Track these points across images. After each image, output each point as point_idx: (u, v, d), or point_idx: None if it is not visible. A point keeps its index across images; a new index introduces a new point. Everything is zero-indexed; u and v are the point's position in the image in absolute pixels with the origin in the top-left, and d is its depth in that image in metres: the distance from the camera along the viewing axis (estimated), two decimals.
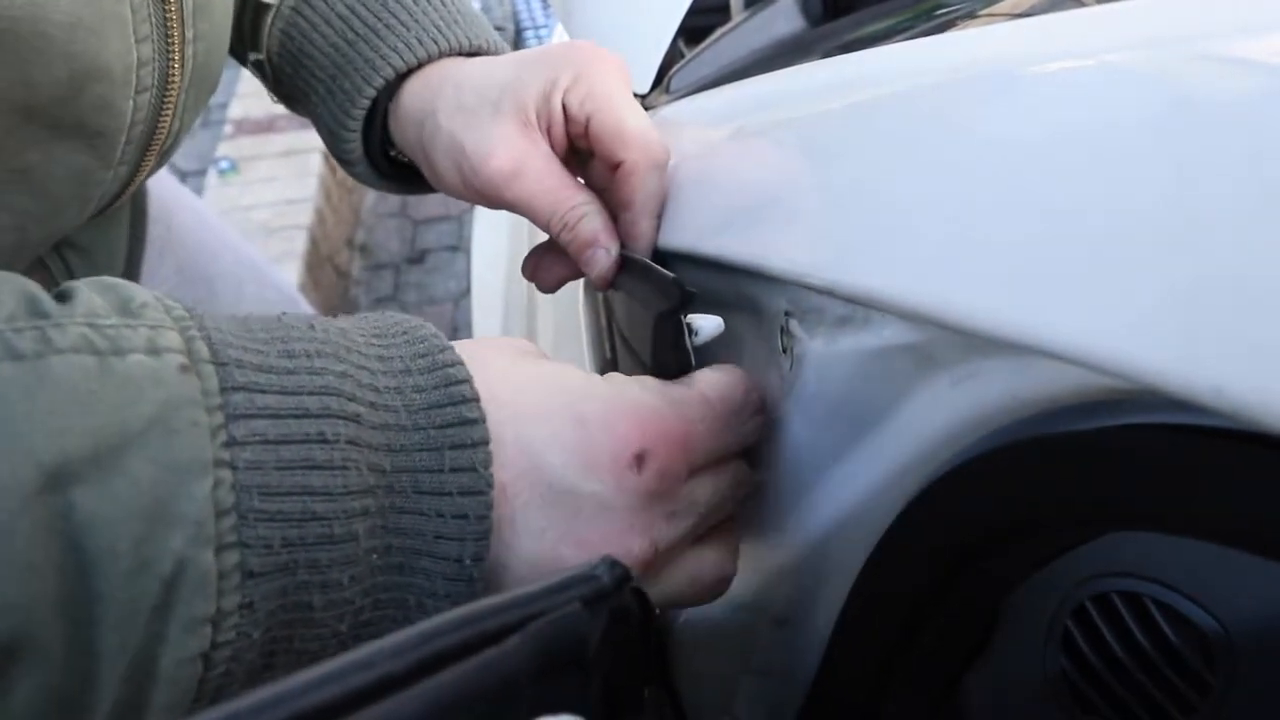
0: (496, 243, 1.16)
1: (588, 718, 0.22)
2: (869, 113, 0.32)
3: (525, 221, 1.00)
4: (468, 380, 0.29)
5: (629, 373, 0.36)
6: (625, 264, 0.42)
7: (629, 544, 0.31)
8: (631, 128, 0.42)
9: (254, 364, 0.25)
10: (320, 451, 0.25)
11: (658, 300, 0.36)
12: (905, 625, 0.34)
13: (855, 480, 0.33)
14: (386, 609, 0.27)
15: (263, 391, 0.25)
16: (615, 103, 0.42)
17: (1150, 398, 0.23)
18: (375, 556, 0.26)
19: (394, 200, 2.43)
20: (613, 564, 0.23)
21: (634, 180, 0.42)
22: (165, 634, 0.22)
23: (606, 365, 0.54)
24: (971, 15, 0.45)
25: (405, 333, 0.30)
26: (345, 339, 0.28)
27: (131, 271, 0.57)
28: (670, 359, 0.36)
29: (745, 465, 0.36)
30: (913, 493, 0.31)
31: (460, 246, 2.32)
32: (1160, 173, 0.21)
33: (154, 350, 0.23)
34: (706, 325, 0.35)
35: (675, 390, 0.34)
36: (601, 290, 0.45)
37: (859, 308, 0.31)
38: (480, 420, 0.28)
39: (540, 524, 0.30)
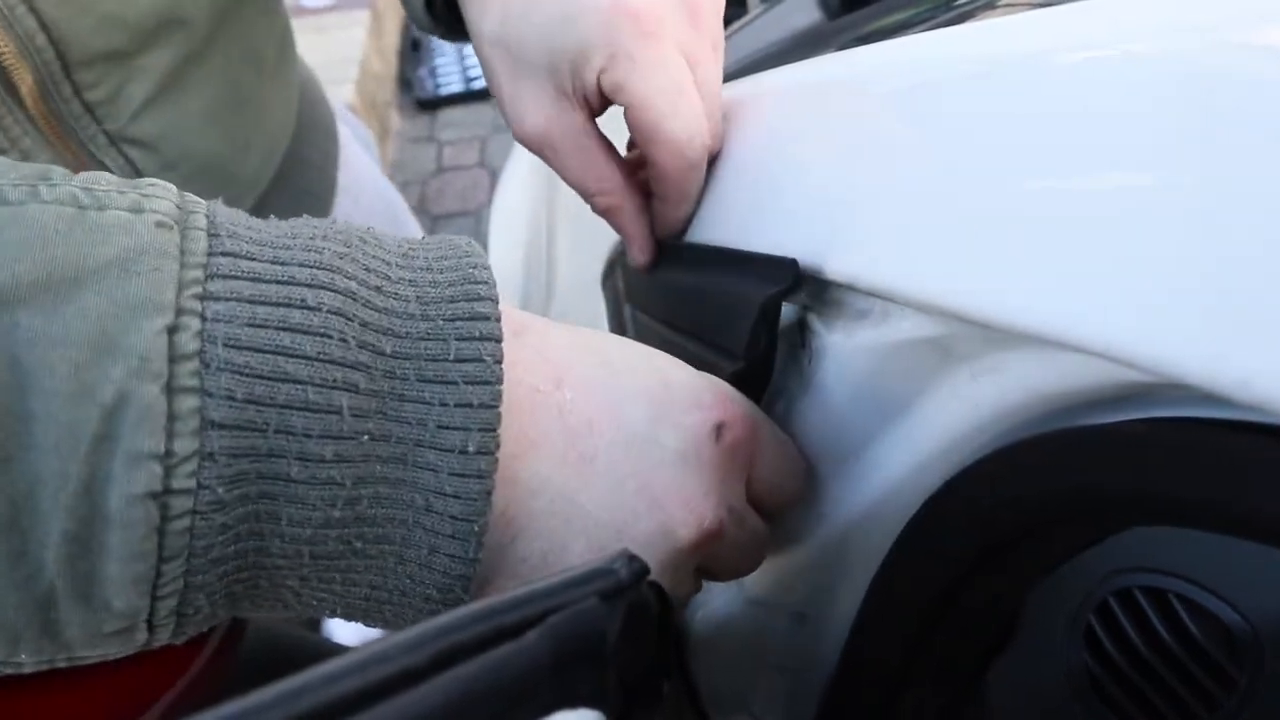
0: (514, 238, 1.16)
1: (606, 712, 0.22)
2: (887, 105, 0.32)
3: (543, 218, 1.00)
4: (486, 282, 0.28)
5: None
6: (704, 255, 0.40)
7: (704, 509, 0.30)
8: (665, 131, 0.38)
9: (250, 237, 0.25)
10: (299, 315, 0.24)
11: (760, 285, 0.34)
12: (925, 621, 0.33)
13: (875, 475, 0.33)
14: (392, 507, 0.27)
15: (251, 259, 0.25)
16: (650, 99, 0.37)
17: (1175, 391, 0.23)
18: (368, 439, 0.25)
19: (412, 196, 2.44)
20: (630, 558, 0.23)
21: (665, 183, 0.40)
22: (109, 468, 0.22)
23: None
24: (991, 6, 0.45)
25: (442, 241, 0.30)
26: (370, 235, 0.28)
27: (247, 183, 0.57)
28: (764, 343, 0.34)
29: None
30: (933, 487, 0.31)
31: (478, 241, 2.32)
32: (1185, 162, 0.20)
33: (136, 209, 0.24)
34: (785, 312, 0.35)
35: (750, 402, 0.34)
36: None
37: (878, 301, 0.31)
38: (493, 318, 0.27)
39: (623, 470, 0.29)
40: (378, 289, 0.27)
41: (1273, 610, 0.31)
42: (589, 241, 0.67)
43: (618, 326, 0.54)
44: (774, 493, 0.34)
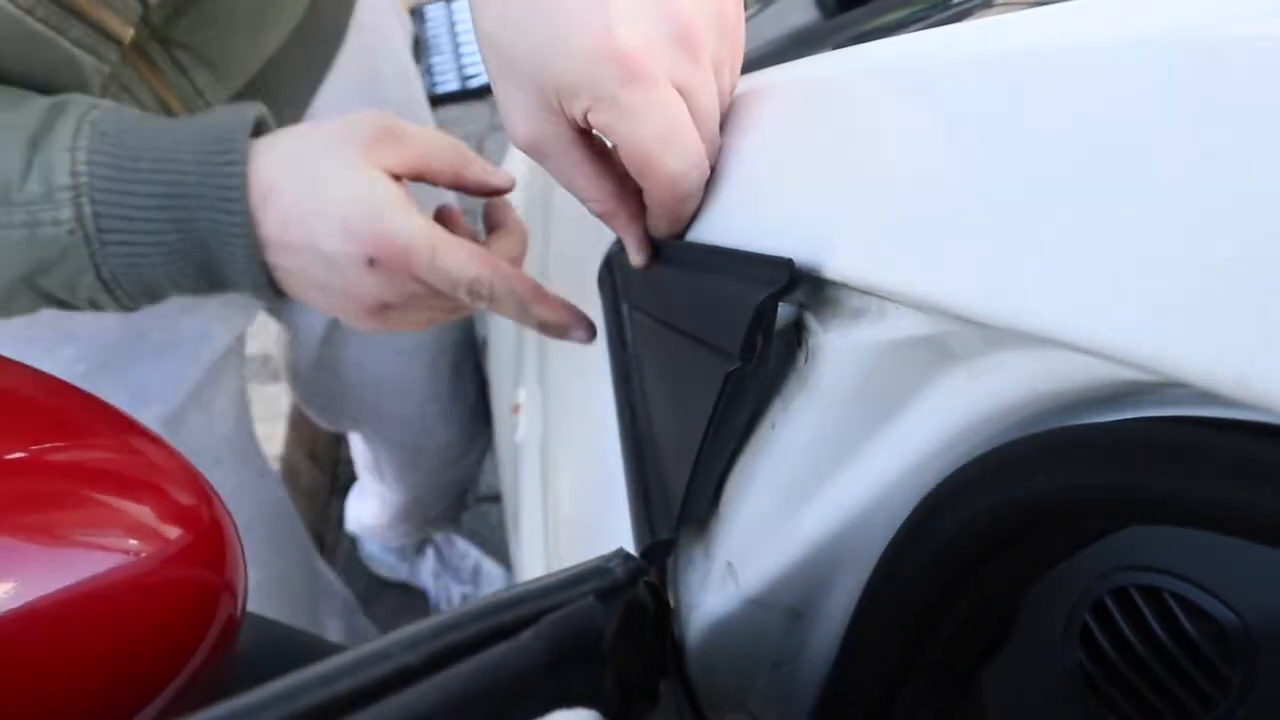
0: None
1: (602, 711, 0.22)
2: (883, 103, 0.31)
3: (539, 216, 0.99)
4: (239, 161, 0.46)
5: (657, 359, 0.40)
6: (701, 255, 0.40)
7: (364, 297, 0.48)
8: (656, 170, 0.37)
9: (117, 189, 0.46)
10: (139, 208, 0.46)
11: (755, 286, 0.33)
12: (922, 620, 0.33)
13: (872, 473, 0.33)
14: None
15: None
16: (639, 143, 0.36)
17: (1172, 389, 0.23)
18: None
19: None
20: (626, 557, 0.23)
21: (660, 209, 0.40)
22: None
23: (620, 352, 0.54)
24: (988, 4, 0.45)
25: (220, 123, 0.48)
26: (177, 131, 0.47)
27: (310, 70, 0.75)
28: (760, 345, 0.34)
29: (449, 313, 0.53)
30: (930, 486, 0.31)
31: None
32: (1181, 158, 0.20)
33: (57, 222, 0.45)
34: (781, 311, 0.34)
35: (427, 234, 0.46)
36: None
37: (874, 299, 0.31)
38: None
39: (318, 278, 0.48)
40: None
41: (1266, 608, 0.31)
42: (584, 239, 0.67)
43: (615, 324, 0.53)
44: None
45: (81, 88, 0.52)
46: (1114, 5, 0.26)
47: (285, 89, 0.72)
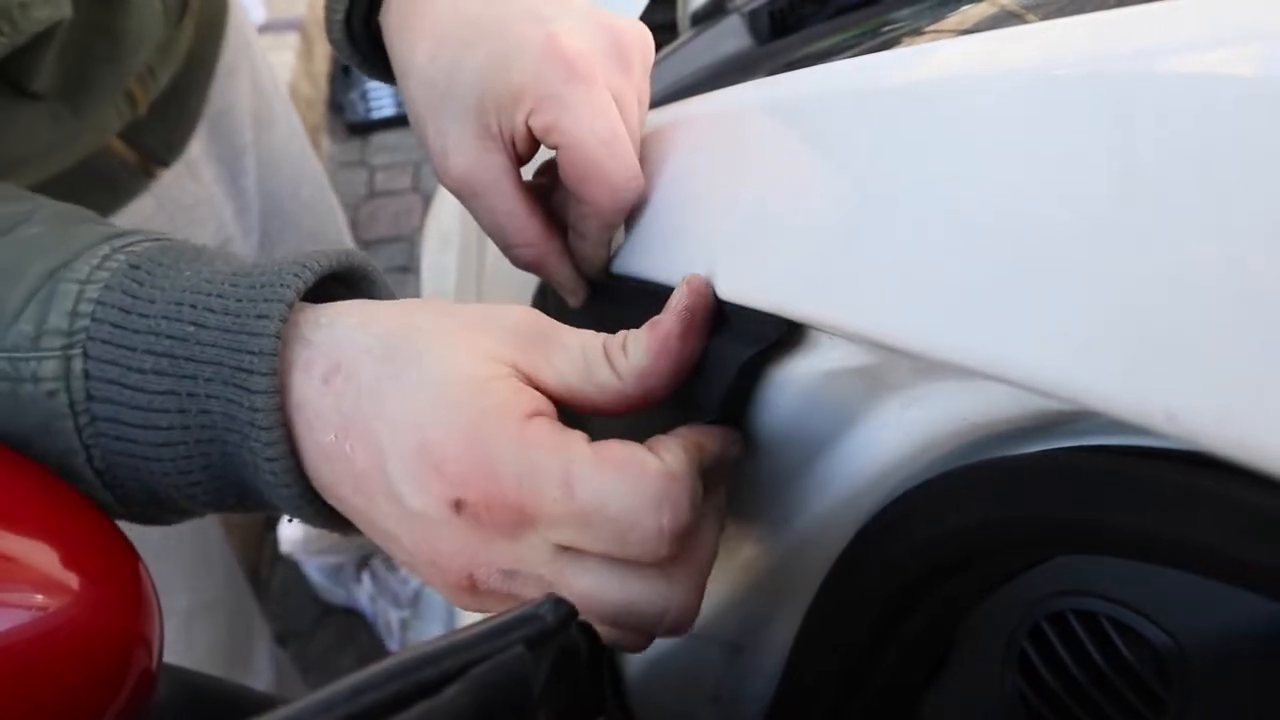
0: (445, 263, 1.15)
1: None
2: (810, 132, 0.31)
3: (474, 243, 0.98)
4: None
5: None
6: (634, 295, 0.39)
7: (449, 565, 0.31)
8: (604, 173, 0.37)
9: (119, 366, 0.31)
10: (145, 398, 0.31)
11: (744, 343, 0.32)
12: (861, 649, 0.33)
13: (807, 505, 0.32)
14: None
15: (121, 385, 0.31)
16: (584, 141, 0.36)
17: (1102, 420, 0.22)
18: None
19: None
20: (557, 602, 0.22)
21: (596, 221, 0.40)
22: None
23: None
24: (917, 32, 0.45)
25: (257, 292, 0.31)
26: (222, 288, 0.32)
27: (199, 69, 0.73)
28: (739, 397, 0.33)
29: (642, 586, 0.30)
30: (865, 517, 0.31)
31: (411, 267, 2.30)
32: (1105, 191, 0.20)
33: (36, 379, 0.31)
34: None
35: (539, 458, 0.29)
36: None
37: (806, 330, 0.31)
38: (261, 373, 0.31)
39: (389, 527, 0.31)
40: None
41: (1202, 631, 0.31)
42: (516, 279, 0.66)
43: None
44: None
45: (135, 52, 0.52)
46: (1038, 36, 0.26)
47: (189, 73, 0.73)
